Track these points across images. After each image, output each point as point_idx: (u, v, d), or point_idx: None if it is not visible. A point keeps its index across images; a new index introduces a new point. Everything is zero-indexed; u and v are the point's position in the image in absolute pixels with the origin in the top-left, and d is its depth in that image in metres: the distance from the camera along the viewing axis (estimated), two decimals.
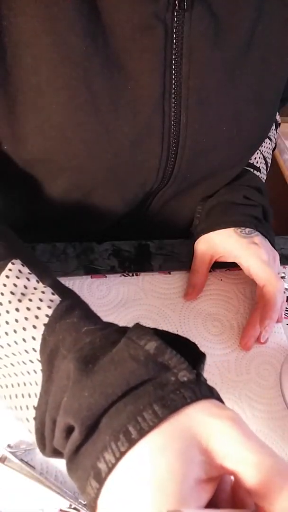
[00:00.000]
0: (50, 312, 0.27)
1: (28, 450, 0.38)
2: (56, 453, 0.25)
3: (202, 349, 0.46)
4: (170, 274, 0.52)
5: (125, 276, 0.51)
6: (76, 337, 0.25)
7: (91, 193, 0.49)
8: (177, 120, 0.41)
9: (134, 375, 0.23)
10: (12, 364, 0.27)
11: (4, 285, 0.29)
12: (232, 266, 0.53)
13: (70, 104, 0.38)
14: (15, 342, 0.26)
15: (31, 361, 0.26)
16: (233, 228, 0.48)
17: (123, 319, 0.47)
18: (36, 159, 0.44)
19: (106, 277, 0.50)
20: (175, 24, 0.36)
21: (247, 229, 0.48)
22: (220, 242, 0.49)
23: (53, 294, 0.29)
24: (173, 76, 0.39)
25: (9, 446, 0.38)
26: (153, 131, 0.42)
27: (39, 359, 0.25)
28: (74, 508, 0.36)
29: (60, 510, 0.36)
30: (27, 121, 0.39)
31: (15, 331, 0.27)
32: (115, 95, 0.38)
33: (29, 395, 0.26)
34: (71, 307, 0.28)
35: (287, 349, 0.48)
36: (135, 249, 0.54)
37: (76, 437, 0.22)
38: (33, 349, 0.26)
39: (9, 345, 0.27)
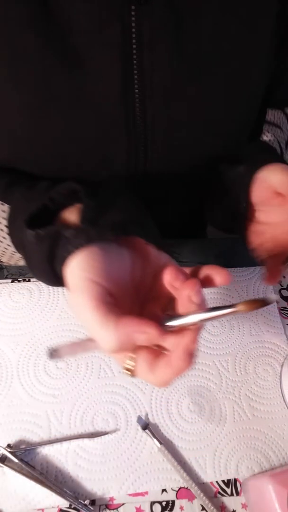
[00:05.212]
0: None
1: (28, 450, 0.38)
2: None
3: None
4: None
5: None
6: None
7: None
8: (142, 113, 0.42)
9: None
10: None
11: None
12: (232, 266, 0.53)
13: (30, 103, 0.38)
14: None
15: None
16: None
17: None
18: (5, 160, 0.44)
19: None
20: (133, 18, 0.36)
21: None
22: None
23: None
24: (134, 71, 0.39)
25: (9, 446, 0.38)
26: (116, 124, 0.42)
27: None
28: (74, 508, 0.36)
29: (60, 510, 0.36)
30: None
31: None
32: (76, 92, 0.39)
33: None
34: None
35: (287, 349, 0.48)
36: None
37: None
38: None
39: None
